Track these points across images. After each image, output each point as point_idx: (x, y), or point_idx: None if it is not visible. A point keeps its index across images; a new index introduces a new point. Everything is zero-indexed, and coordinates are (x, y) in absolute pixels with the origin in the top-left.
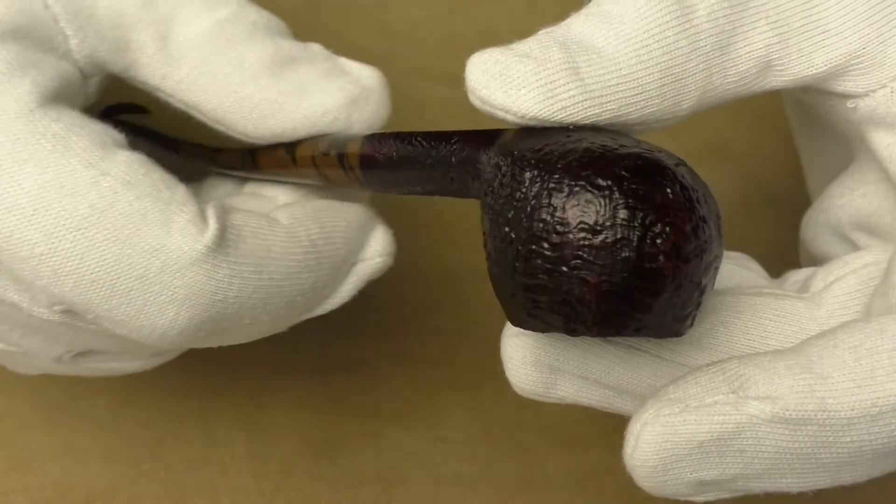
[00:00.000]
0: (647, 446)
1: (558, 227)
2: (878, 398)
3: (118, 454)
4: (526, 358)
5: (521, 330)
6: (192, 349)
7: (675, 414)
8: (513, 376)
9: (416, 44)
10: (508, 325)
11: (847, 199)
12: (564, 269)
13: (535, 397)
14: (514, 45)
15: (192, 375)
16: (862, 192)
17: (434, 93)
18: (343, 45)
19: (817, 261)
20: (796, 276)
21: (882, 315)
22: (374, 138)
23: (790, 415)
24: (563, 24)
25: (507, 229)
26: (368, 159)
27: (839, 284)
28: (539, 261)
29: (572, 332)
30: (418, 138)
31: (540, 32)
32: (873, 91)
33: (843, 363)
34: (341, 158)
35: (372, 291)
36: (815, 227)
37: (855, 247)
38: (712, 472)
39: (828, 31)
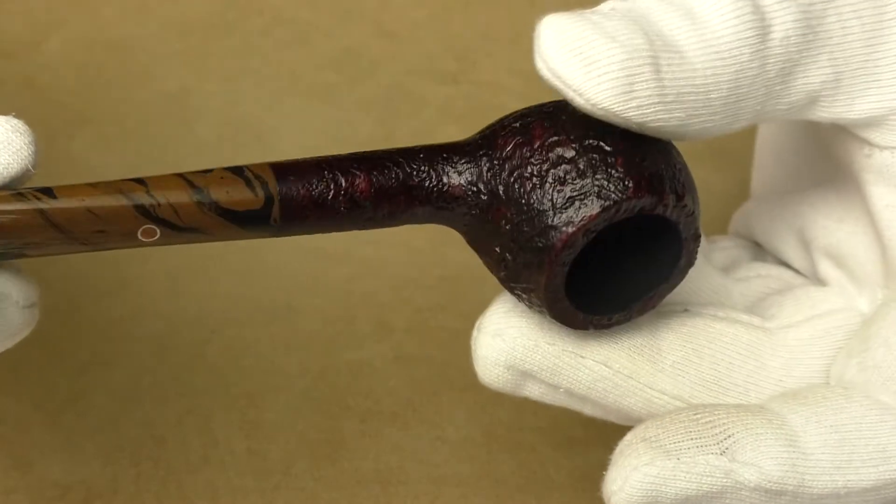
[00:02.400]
0: (635, 491)
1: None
2: (850, 482)
3: (118, 454)
4: (499, 360)
5: (498, 330)
6: (194, 349)
7: (667, 468)
8: (482, 372)
9: (416, 44)
10: (485, 320)
11: (833, 227)
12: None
13: (501, 391)
14: (597, 18)
15: (192, 375)
16: (850, 230)
17: (434, 93)
18: (343, 45)
19: (753, 242)
20: (760, 289)
21: (858, 393)
22: (288, 171)
23: (772, 486)
24: (640, 2)
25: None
26: (300, 204)
27: (805, 327)
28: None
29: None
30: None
31: (615, 3)
32: (894, 148)
33: (825, 443)
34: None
35: (371, 291)
36: (778, 223)
37: (812, 266)
38: None
39: (879, 80)
